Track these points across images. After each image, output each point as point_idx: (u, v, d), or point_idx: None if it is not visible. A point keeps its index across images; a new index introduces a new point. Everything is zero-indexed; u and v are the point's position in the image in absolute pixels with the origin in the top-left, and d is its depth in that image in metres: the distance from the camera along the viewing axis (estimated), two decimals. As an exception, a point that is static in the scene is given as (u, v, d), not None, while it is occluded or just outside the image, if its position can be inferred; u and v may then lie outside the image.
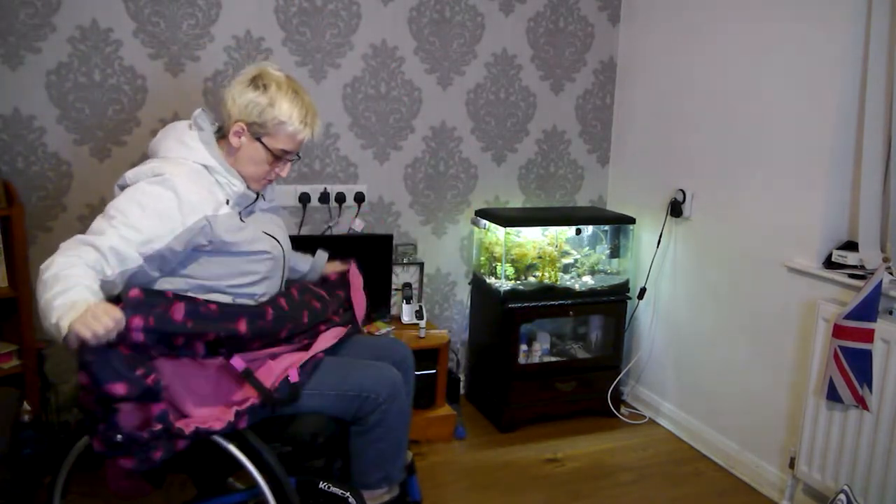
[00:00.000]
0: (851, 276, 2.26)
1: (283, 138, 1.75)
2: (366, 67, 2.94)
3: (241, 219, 1.76)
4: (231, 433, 1.62)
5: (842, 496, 2.16)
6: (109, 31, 2.56)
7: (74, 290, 1.43)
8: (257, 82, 1.74)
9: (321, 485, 1.78)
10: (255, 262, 1.76)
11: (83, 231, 2.58)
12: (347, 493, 1.78)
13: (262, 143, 1.75)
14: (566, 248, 3.20)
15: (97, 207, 2.64)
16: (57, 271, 1.46)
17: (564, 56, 3.28)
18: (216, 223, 1.68)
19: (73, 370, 1.50)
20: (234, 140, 1.75)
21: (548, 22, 3.21)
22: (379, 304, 2.98)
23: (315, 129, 1.79)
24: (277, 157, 1.78)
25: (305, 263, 2.13)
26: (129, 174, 1.69)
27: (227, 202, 1.72)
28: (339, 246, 2.90)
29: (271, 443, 1.67)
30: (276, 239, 1.85)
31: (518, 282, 3.08)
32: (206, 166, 1.72)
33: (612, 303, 3.16)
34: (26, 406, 2.35)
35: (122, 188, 1.69)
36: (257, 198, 1.85)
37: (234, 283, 1.74)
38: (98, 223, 1.59)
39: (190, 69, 2.68)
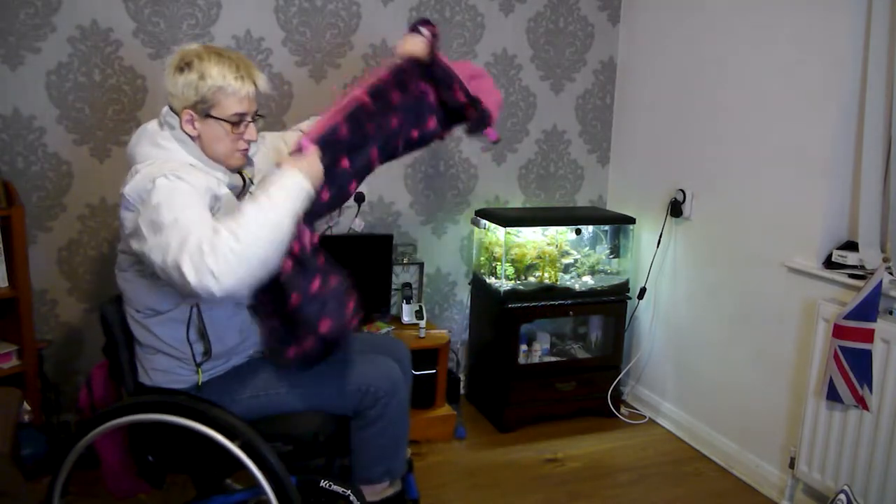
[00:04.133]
0: (851, 276, 2.26)
1: (228, 102, 1.68)
2: (366, 67, 2.94)
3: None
4: (232, 434, 1.62)
5: (842, 496, 2.16)
6: (109, 31, 2.56)
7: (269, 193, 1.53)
8: (181, 65, 1.68)
9: (322, 483, 1.78)
10: None
11: (83, 230, 2.62)
12: (349, 492, 1.78)
13: (212, 117, 1.69)
14: (566, 248, 3.20)
15: (97, 207, 2.64)
16: (240, 233, 1.46)
17: (564, 56, 3.28)
18: (223, 200, 1.66)
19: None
20: (189, 129, 1.70)
21: (548, 22, 3.21)
22: (379, 304, 2.98)
23: (256, 79, 1.72)
24: (235, 123, 1.70)
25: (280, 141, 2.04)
26: (128, 191, 1.60)
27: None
28: (339, 246, 2.91)
29: (272, 442, 1.67)
30: None
31: (518, 282, 3.08)
32: (190, 164, 1.68)
33: (612, 303, 3.16)
34: (26, 406, 2.35)
35: (130, 207, 1.61)
36: (244, 184, 1.80)
37: None
38: (166, 235, 1.49)
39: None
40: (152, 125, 1.74)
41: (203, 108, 1.68)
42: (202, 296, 1.45)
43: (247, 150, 1.78)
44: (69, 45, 2.51)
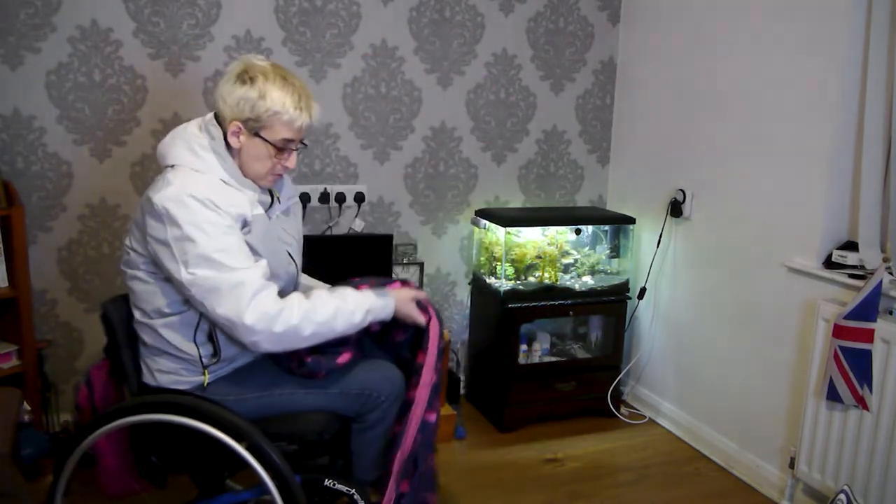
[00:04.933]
0: (851, 276, 2.26)
1: (280, 128, 1.69)
2: (366, 67, 2.94)
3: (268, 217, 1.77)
4: (238, 435, 1.63)
5: (842, 496, 2.16)
6: (109, 31, 2.56)
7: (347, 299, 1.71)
8: (244, 77, 1.68)
9: (326, 482, 1.79)
10: (273, 277, 1.73)
11: (83, 230, 2.62)
12: (353, 490, 1.78)
13: (261, 137, 1.69)
14: (566, 248, 3.21)
15: (97, 207, 2.64)
16: (296, 323, 1.63)
17: (564, 56, 3.28)
18: (253, 224, 1.68)
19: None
20: (233, 141, 1.70)
21: (548, 22, 3.21)
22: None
23: (312, 112, 1.73)
24: (280, 148, 1.72)
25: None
26: (157, 199, 1.60)
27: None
28: (339, 246, 2.91)
29: (277, 441, 1.67)
30: (293, 259, 1.84)
31: (518, 282, 3.08)
32: (222, 180, 1.67)
33: (612, 303, 3.16)
34: (26, 406, 2.35)
35: (158, 219, 1.60)
36: (272, 201, 1.80)
37: None
38: (207, 274, 1.58)
39: (190, 69, 2.68)
40: (192, 128, 1.73)
41: (254, 126, 1.69)
42: (245, 342, 1.63)
43: (281, 175, 1.80)
44: (69, 45, 2.51)
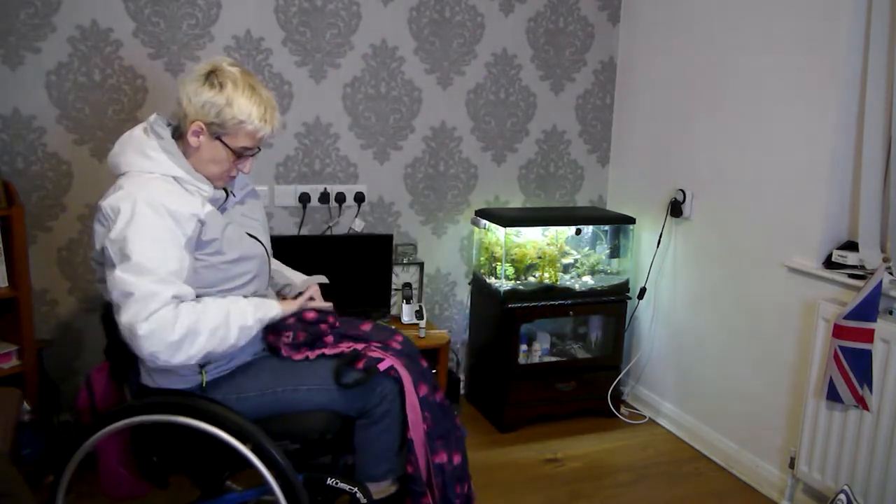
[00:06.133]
0: (851, 276, 2.26)
1: (243, 136, 1.71)
2: (366, 67, 2.94)
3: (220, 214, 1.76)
4: (242, 435, 1.63)
5: (842, 496, 2.16)
6: (109, 31, 2.56)
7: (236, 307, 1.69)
8: (212, 80, 1.69)
9: (329, 481, 1.79)
10: (242, 263, 1.76)
11: (83, 230, 2.62)
12: (355, 489, 1.78)
13: (222, 142, 1.71)
14: (566, 248, 3.20)
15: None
16: (189, 325, 1.58)
17: (564, 56, 3.28)
18: (207, 221, 1.67)
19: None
20: (192, 140, 1.70)
21: (548, 22, 3.21)
22: (379, 304, 2.98)
23: (275, 124, 1.75)
24: (238, 154, 1.73)
25: (296, 277, 2.10)
26: (105, 205, 1.62)
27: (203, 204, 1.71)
28: (339, 246, 2.91)
29: (280, 440, 1.67)
30: (257, 239, 1.84)
31: (518, 282, 3.08)
32: (174, 177, 1.68)
33: (612, 303, 3.16)
34: (26, 406, 2.35)
35: (103, 222, 1.63)
36: (227, 196, 1.82)
37: (226, 287, 1.73)
38: (129, 279, 1.55)
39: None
40: (137, 132, 1.74)
41: (216, 131, 1.70)
42: (142, 355, 1.58)
43: (234, 178, 1.81)
44: (69, 45, 2.51)
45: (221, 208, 1.78)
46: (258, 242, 1.83)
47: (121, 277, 1.55)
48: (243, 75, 1.72)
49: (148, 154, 1.69)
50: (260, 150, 1.83)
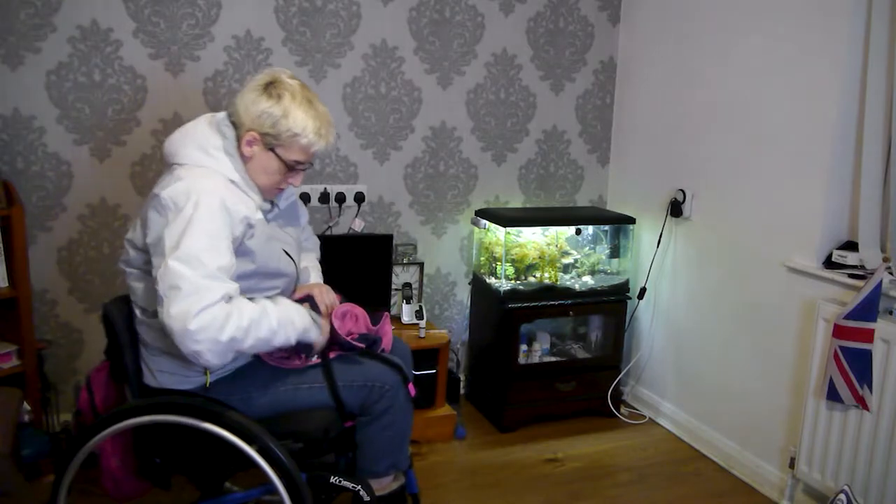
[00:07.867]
0: (851, 276, 2.26)
1: (296, 150, 1.72)
2: (366, 67, 2.94)
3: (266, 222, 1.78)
4: (248, 436, 1.64)
5: (842, 496, 2.16)
6: (109, 31, 2.56)
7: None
8: (271, 91, 1.69)
9: (332, 479, 1.79)
10: (274, 279, 1.76)
11: (83, 230, 2.62)
12: (358, 487, 1.78)
13: (275, 153, 1.71)
14: (566, 248, 3.21)
15: (97, 207, 2.64)
16: (238, 330, 1.58)
17: (564, 56, 3.28)
18: (256, 227, 1.68)
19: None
20: (246, 149, 1.71)
21: (548, 22, 3.21)
22: (379, 304, 2.98)
23: (329, 139, 1.75)
24: (290, 167, 1.74)
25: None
26: (166, 196, 1.60)
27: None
28: (340, 246, 2.91)
29: (284, 440, 1.67)
30: (291, 258, 1.84)
31: (518, 282, 3.08)
32: (231, 180, 1.69)
33: (612, 303, 3.16)
34: (26, 406, 2.35)
35: (161, 211, 1.61)
36: (272, 207, 1.82)
37: (248, 297, 1.72)
38: (182, 270, 1.53)
39: (190, 69, 2.68)
40: (203, 127, 1.73)
41: (271, 142, 1.70)
42: (187, 353, 1.56)
43: (283, 190, 1.82)
44: (69, 45, 2.51)
45: (266, 219, 1.79)
46: (292, 261, 1.84)
47: (173, 267, 1.53)
48: (302, 89, 1.73)
49: (210, 152, 1.69)
50: (312, 165, 1.83)
